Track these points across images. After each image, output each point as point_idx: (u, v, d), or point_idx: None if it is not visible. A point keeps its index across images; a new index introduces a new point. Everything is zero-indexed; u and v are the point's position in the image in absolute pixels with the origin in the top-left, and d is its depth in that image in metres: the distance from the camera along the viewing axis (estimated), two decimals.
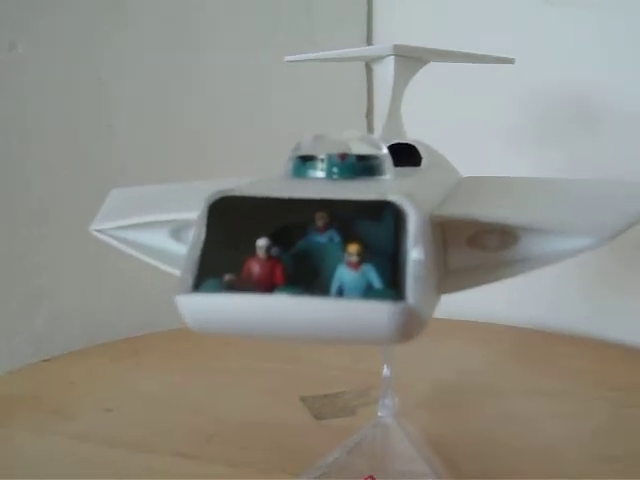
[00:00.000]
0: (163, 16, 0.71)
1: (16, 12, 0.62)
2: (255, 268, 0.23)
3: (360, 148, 0.30)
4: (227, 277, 0.23)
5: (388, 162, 0.30)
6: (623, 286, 0.70)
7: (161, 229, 0.31)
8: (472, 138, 0.73)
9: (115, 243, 0.32)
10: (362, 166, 0.29)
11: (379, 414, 0.46)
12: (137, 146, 0.70)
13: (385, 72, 0.48)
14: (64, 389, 0.57)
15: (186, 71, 0.72)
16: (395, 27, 0.81)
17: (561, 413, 0.52)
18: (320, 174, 0.28)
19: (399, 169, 0.32)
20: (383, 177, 0.29)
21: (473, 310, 0.65)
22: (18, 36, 0.62)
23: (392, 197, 0.23)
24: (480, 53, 0.51)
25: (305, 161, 0.29)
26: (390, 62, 0.47)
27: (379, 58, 0.48)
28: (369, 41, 0.82)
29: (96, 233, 0.33)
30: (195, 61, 0.73)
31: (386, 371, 0.45)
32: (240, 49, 0.75)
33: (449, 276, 0.28)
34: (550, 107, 0.70)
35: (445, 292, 0.27)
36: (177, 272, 0.25)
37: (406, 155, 0.39)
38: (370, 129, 0.81)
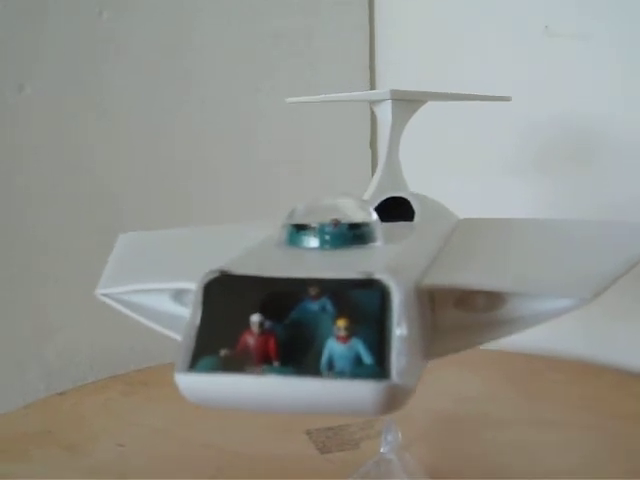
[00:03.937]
0: (163, 45, 0.72)
1: (23, 55, 0.64)
2: (250, 342, 0.25)
3: (352, 213, 0.31)
4: (223, 352, 0.24)
5: (378, 229, 0.31)
6: (621, 312, 0.70)
7: (162, 293, 0.32)
8: (472, 170, 0.73)
9: (119, 307, 0.34)
10: (353, 234, 0.30)
11: (382, 450, 0.47)
12: (137, 179, 0.72)
13: (383, 115, 0.49)
14: (77, 424, 0.58)
15: (185, 101, 0.73)
16: (397, 55, 0.82)
17: (559, 441, 0.52)
18: (313, 243, 0.30)
19: (391, 226, 0.33)
20: (374, 244, 0.30)
21: None
22: (26, 78, 0.64)
23: (378, 275, 0.25)
24: (476, 93, 0.52)
25: (299, 229, 0.30)
26: (388, 106, 0.48)
27: (378, 101, 0.49)
28: (371, 66, 0.84)
29: (102, 297, 0.35)
30: (194, 92, 0.74)
31: None
32: (240, 78, 0.76)
33: (437, 338, 0.29)
34: (549, 139, 0.71)
35: (433, 356, 0.28)
36: (177, 336, 0.26)
37: (400, 205, 0.41)
38: (374, 158, 0.82)
